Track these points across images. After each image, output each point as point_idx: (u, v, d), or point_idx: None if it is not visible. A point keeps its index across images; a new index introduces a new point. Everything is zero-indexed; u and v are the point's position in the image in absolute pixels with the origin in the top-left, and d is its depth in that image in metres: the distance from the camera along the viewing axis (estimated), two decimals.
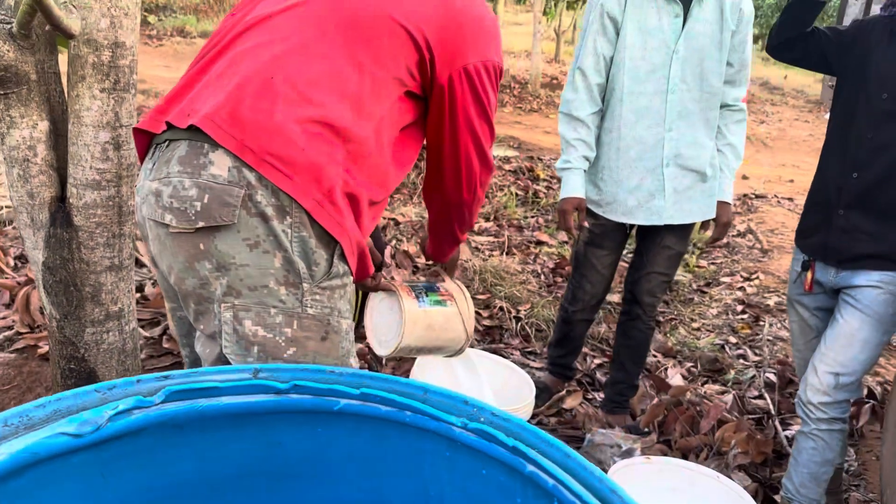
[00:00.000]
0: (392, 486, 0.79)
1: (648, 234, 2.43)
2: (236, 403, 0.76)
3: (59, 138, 1.70)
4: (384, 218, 4.47)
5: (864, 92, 1.95)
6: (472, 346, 2.69)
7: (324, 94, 1.14)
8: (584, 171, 2.30)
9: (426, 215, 4.68)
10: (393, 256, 3.73)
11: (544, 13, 12.82)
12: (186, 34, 13.30)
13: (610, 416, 2.57)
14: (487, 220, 4.79)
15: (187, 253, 1.11)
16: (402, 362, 2.70)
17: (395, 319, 1.51)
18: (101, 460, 0.71)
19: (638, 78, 2.21)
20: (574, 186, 2.27)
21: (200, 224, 1.07)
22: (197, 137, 1.10)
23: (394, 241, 4.05)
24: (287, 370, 0.78)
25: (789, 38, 2.08)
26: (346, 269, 1.20)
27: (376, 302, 1.59)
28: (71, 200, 1.66)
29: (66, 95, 1.69)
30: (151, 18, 13.51)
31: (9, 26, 1.56)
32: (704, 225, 2.46)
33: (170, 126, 1.15)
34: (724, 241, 5.06)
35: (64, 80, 1.70)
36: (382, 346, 1.54)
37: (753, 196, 6.57)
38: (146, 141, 1.23)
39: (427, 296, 1.55)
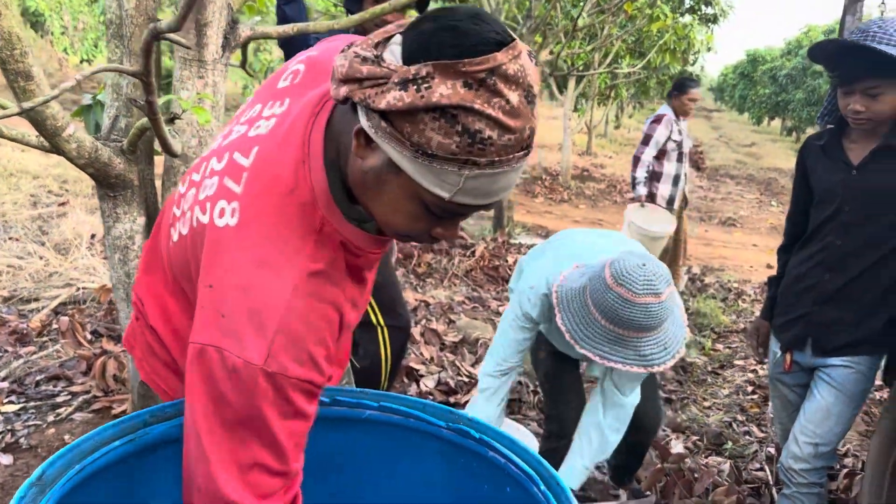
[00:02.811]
0: (401, 469, 1.12)
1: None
2: None
3: (151, 230, 2.13)
4: (416, 299, 4.85)
5: (826, 206, 2.19)
6: None
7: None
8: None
9: (456, 297, 5.06)
10: (422, 334, 4.08)
11: (575, 109, 13.50)
12: None
13: (617, 483, 2.81)
14: None
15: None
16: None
17: None
18: None
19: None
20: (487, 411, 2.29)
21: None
22: None
23: (423, 321, 4.40)
24: (329, 389, 1.13)
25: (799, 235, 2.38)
26: None
27: None
28: None
29: (158, 197, 2.13)
30: None
31: (120, 144, 2.02)
32: None
33: None
34: (742, 325, 5.29)
35: (158, 184, 2.15)
36: None
37: None
38: None
39: None
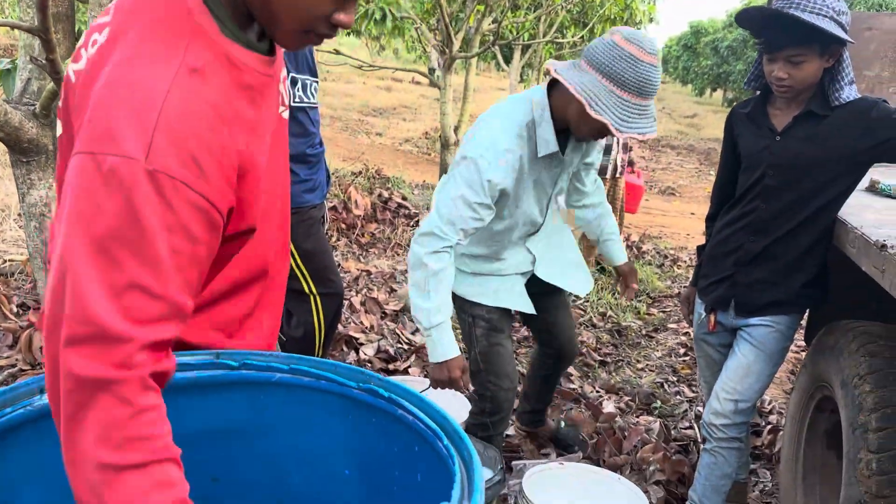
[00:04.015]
0: (314, 433, 1.12)
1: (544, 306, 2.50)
2: (203, 375, 1.10)
3: None
4: (358, 269, 4.83)
5: (751, 172, 2.24)
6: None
7: None
8: None
9: (398, 267, 5.06)
10: (363, 303, 4.07)
11: (521, 80, 13.50)
12: None
13: (534, 429, 2.91)
14: None
15: None
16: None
17: None
18: None
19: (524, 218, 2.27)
20: (452, 343, 2.07)
21: None
22: None
23: (365, 290, 4.39)
24: (238, 354, 1.12)
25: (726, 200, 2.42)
26: None
27: None
28: None
29: None
30: None
31: (33, 108, 1.94)
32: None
33: None
34: (676, 290, 5.44)
35: None
36: None
37: None
38: None
39: None
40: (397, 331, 3.87)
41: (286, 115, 1.17)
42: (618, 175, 5.17)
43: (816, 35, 1.95)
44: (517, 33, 9.90)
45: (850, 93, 2.07)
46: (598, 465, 2.69)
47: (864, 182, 2.48)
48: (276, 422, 1.14)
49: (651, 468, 2.60)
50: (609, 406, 3.22)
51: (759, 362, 2.28)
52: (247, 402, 1.13)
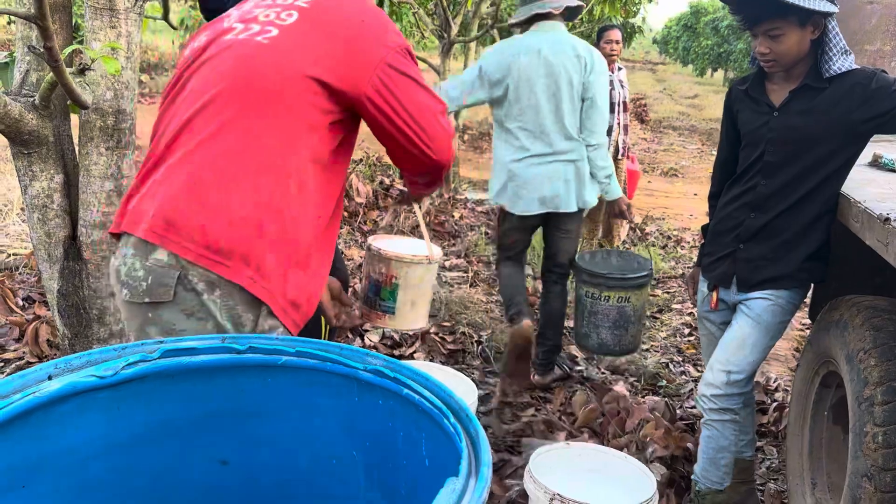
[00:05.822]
0: (321, 415, 1.13)
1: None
2: (210, 359, 1.10)
3: (71, 188, 2.06)
4: (362, 256, 4.83)
5: (751, 149, 2.24)
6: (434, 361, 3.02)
7: (238, 189, 1.35)
8: None
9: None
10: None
11: None
12: None
13: (541, 376, 3.19)
14: (458, 256, 5.16)
15: (139, 319, 1.37)
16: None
17: None
18: (117, 397, 1.05)
19: None
20: None
21: (146, 300, 1.34)
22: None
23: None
24: (244, 337, 1.13)
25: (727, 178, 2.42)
26: (275, 322, 1.41)
27: None
28: (81, 238, 2.02)
29: (77, 153, 2.06)
30: (144, 77, 14.01)
31: (32, 99, 1.94)
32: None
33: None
34: (680, 271, 5.44)
35: (75, 140, 2.08)
36: None
37: None
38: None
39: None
40: None
41: None
42: (619, 157, 5.15)
43: (790, 6, 1.94)
44: None
45: (842, 63, 2.05)
46: (603, 445, 2.70)
47: (867, 156, 2.47)
48: (283, 404, 1.15)
49: (652, 447, 2.61)
50: (620, 387, 3.22)
51: (755, 334, 2.27)
52: (253, 386, 1.13)
